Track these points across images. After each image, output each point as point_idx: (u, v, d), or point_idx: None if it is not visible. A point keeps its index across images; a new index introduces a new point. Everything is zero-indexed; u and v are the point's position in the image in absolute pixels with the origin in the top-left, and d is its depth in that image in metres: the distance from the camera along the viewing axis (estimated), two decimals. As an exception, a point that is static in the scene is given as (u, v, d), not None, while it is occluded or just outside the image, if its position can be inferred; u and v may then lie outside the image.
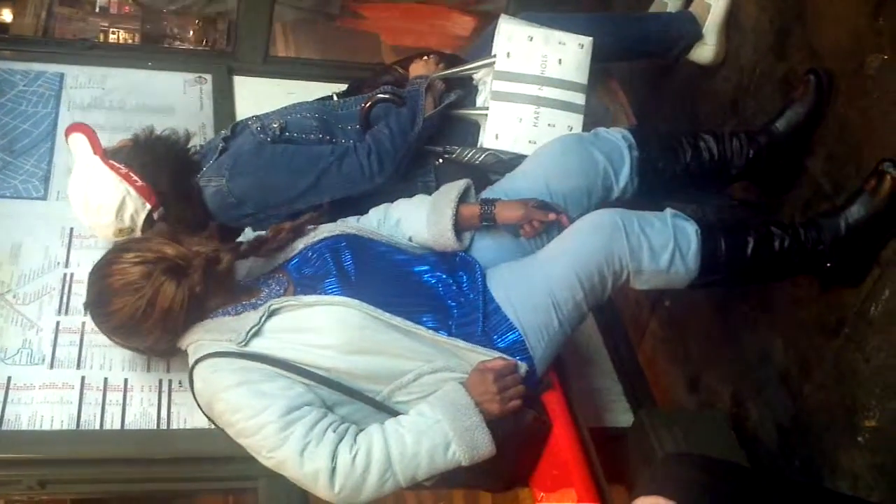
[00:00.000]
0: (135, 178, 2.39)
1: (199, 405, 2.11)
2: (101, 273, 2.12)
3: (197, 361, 2.06)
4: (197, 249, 2.13)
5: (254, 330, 2.04)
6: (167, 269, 2.06)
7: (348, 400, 2.05)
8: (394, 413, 2.06)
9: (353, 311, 2.04)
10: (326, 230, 2.28)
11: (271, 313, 2.07)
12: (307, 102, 2.74)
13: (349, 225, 2.33)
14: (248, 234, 2.41)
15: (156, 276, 2.04)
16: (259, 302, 2.15)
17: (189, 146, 2.57)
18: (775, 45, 2.62)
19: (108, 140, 2.52)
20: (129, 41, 5.02)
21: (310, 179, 2.44)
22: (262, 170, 2.46)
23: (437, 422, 1.99)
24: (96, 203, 2.39)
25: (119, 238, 2.43)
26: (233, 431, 2.03)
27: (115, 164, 2.39)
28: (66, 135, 2.51)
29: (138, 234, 2.44)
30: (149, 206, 2.42)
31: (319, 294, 2.10)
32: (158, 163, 2.44)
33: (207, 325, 2.12)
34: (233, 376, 2.00)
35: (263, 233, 2.29)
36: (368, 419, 2.06)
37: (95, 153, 2.41)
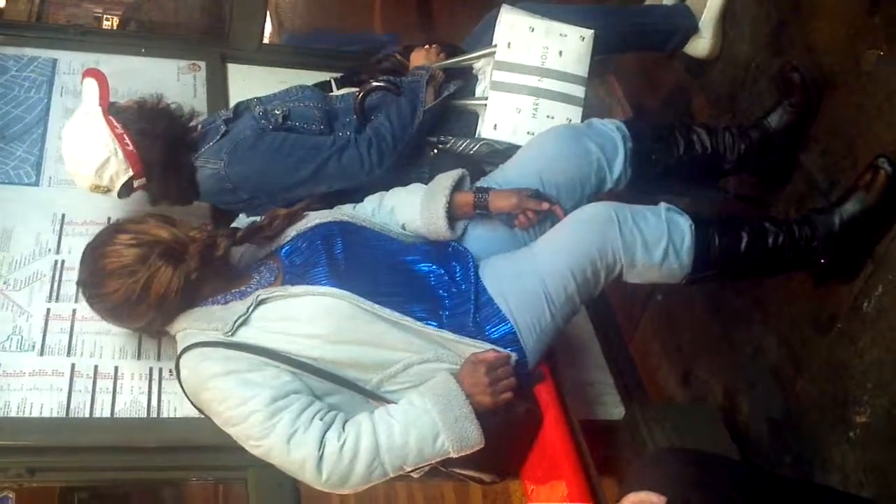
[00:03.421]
0: (127, 141, 2.38)
1: (185, 394, 2.11)
2: (96, 254, 2.11)
3: (184, 351, 2.06)
4: (193, 234, 2.12)
5: (241, 319, 2.04)
6: (163, 253, 2.05)
7: (337, 389, 2.04)
8: (383, 402, 2.06)
9: (341, 301, 2.03)
10: (319, 217, 2.28)
11: (259, 303, 2.07)
12: (308, 88, 2.72)
13: (343, 212, 2.32)
14: (241, 220, 2.40)
15: (152, 261, 2.04)
16: (248, 290, 2.15)
17: (191, 125, 2.57)
18: (771, 39, 2.61)
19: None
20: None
21: (309, 169, 2.43)
22: (261, 157, 2.44)
23: (426, 412, 1.99)
24: (81, 153, 2.40)
25: (95, 193, 2.45)
26: (220, 420, 2.03)
27: (114, 121, 2.39)
28: (83, 76, 2.51)
29: (114, 196, 2.46)
30: (131, 173, 2.42)
31: (308, 284, 2.10)
32: (155, 134, 2.43)
33: (195, 314, 2.12)
34: (219, 365, 1.99)
35: (258, 219, 2.28)
36: (358, 408, 2.06)
37: (100, 104, 2.41)
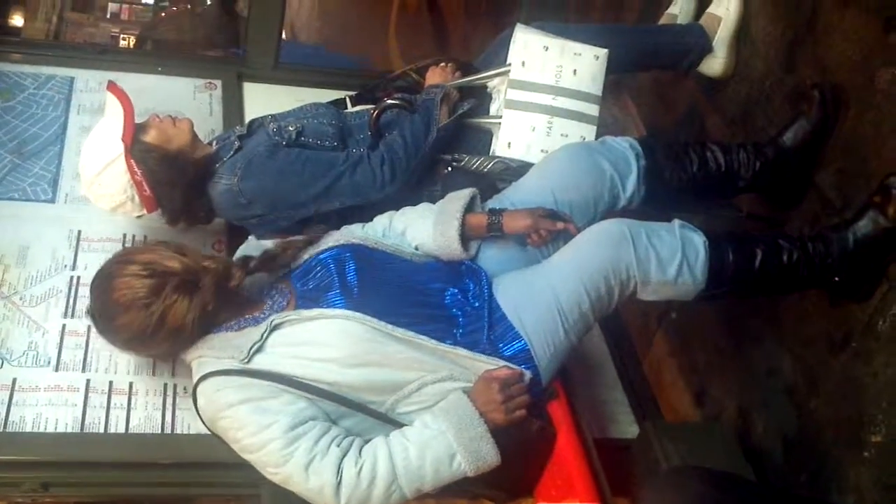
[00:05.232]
0: (145, 187, 2.41)
1: (203, 422, 2.11)
2: (105, 286, 2.10)
3: (200, 380, 2.06)
4: (206, 265, 2.11)
5: (256, 346, 2.04)
6: (178, 285, 2.04)
7: (351, 412, 2.04)
8: (397, 424, 2.06)
9: (355, 324, 2.03)
10: (332, 240, 2.28)
11: (273, 328, 2.06)
12: (323, 105, 2.73)
13: (354, 234, 2.32)
14: (250, 243, 2.40)
15: (167, 293, 2.03)
16: (262, 315, 2.14)
17: (209, 157, 2.55)
18: (785, 58, 2.61)
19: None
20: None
21: (322, 185, 2.44)
22: (274, 173, 2.45)
23: (441, 433, 1.98)
24: (101, 192, 2.45)
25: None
26: (237, 447, 2.03)
27: (135, 166, 2.39)
28: (108, 89, 2.51)
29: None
30: (145, 213, 2.50)
31: (322, 307, 2.09)
32: (174, 187, 2.46)
33: (210, 342, 2.11)
34: (236, 394, 1.99)
35: (271, 246, 2.27)
36: (372, 430, 2.06)
37: (124, 138, 2.40)
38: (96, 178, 2.42)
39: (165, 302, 2.03)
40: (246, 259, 2.21)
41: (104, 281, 2.11)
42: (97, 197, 2.47)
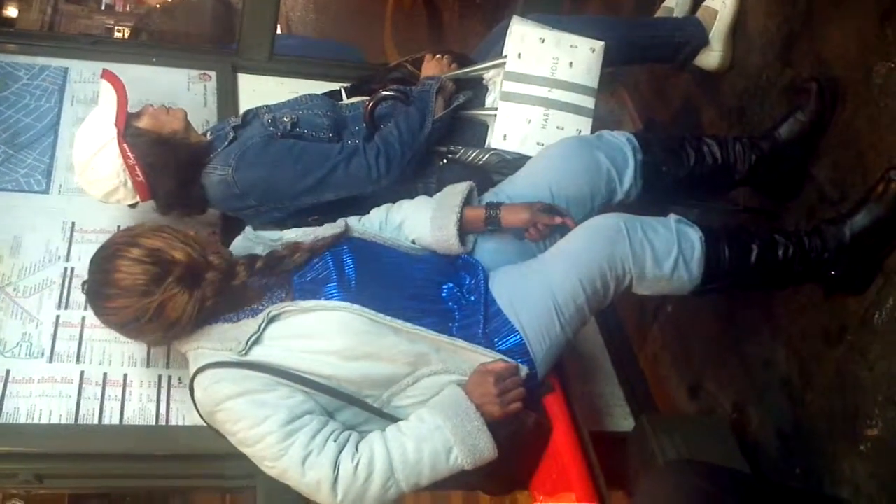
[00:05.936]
0: (138, 172, 2.40)
1: (200, 415, 2.09)
2: (106, 266, 2.05)
3: (197, 372, 2.04)
4: (211, 260, 2.07)
5: (253, 338, 2.02)
6: (180, 277, 2.01)
7: (347, 406, 2.03)
8: (393, 419, 2.05)
9: (353, 315, 2.02)
10: (330, 232, 2.27)
11: (270, 320, 2.05)
12: (318, 97, 2.74)
13: (352, 228, 2.32)
14: (247, 234, 2.38)
15: (168, 284, 1.99)
16: (260, 307, 2.11)
17: (204, 146, 2.54)
18: (782, 51, 2.61)
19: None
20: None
21: (316, 177, 2.43)
22: (269, 163, 2.45)
23: (437, 427, 1.98)
24: (93, 176, 2.43)
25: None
26: (234, 440, 2.02)
27: (128, 150, 2.39)
28: (102, 76, 2.50)
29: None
30: (138, 200, 2.48)
31: (319, 299, 2.08)
32: (167, 171, 2.44)
33: (207, 333, 2.09)
34: (233, 387, 1.98)
35: (279, 248, 2.22)
36: (368, 424, 2.05)
37: (117, 123, 2.39)
38: (89, 162, 2.40)
39: (165, 294, 2.00)
40: (252, 259, 2.16)
41: (106, 260, 2.06)
42: (90, 183, 2.45)
